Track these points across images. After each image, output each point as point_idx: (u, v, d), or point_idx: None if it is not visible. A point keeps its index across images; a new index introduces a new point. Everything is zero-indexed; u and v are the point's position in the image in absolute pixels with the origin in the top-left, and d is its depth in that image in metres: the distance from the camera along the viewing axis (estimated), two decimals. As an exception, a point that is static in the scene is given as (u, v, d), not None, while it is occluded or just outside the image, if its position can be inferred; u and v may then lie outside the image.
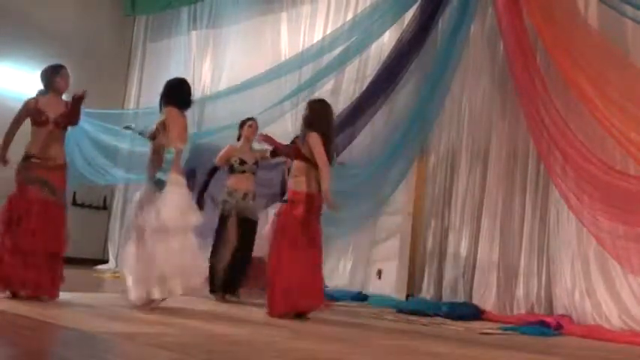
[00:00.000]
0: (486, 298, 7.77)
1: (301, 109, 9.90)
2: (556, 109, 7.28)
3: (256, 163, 7.43)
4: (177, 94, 6.05)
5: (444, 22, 8.62)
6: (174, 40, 12.39)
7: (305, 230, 5.96)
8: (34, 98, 5.80)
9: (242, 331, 4.94)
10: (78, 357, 3.45)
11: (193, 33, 12.03)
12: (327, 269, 9.44)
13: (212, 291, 7.21)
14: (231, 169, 7.37)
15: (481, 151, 8.31)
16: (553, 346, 5.76)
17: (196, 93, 11.51)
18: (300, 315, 5.89)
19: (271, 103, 9.85)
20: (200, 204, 6.95)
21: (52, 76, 5.83)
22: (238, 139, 7.57)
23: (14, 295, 5.48)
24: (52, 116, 5.72)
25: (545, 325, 6.61)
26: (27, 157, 5.71)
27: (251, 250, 7.32)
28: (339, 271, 9.12)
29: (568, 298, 7.22)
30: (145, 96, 12.33)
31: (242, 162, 7.33)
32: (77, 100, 5.67)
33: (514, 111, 7.99)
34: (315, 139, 6.00)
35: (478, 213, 8.20)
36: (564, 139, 7.15)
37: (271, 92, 9.95)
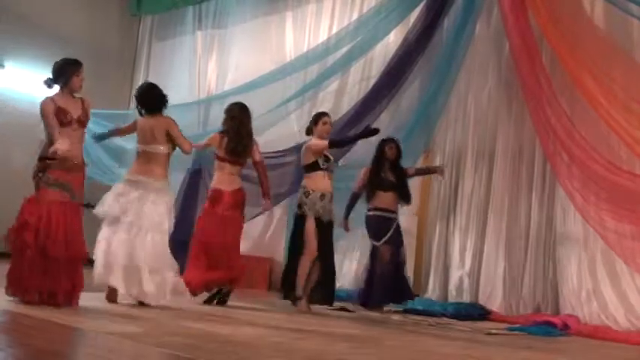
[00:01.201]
0: (492, 298, 7.75)
1: (307, 110, 10.00)
2: (562, 109, 7.26)
3: (336, 160, 7.06)
4: (142, 101, 6.41)
5: (449, 21, 8.60)
6: (180, 39, 12.39)
7: (221, 225, 6.73)
8: (50, 98, 5.53)
9: (247, 332, 4.93)
10: (83, 357, 3.45)
11: (198, 33, 12.03)
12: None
13: (287, 297, 6.93)
14: (312, 167, 6.91)
15: (487, 151, 8.29)
16: (560, 346, 5.74)
17: (201, 93, 11.59)
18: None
19: (276, 103, 9.85)
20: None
21: (70, 74, 5.59)
22: (308, 134, 7.16)
23: (28, 302, 5.22)
24: (75, 115, 5.54)
25: (551, 325, 6.59)
26: (45, 158, 5.46)
27: (332, 255, 7.00)
28: (344, 271, 9.10)
29: (574, 297, 7.21)
30: (150, 96, 12.31)
31: (327, 159, 6.94)
32: None
33: (520, 111, 7.98)
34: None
35: (484, 213, 8.18)
36: (570, 139, 7.13)
37: (276, 92, 9.95)
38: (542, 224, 7.73)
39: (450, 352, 4.79)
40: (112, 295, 5.94)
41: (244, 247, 10.28)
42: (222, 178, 6.86)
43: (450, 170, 8.64)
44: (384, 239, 7.26)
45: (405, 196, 7.50)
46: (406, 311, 7.35)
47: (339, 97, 9.75)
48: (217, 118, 10.98)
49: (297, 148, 9.60)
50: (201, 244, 6.68)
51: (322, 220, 6.80)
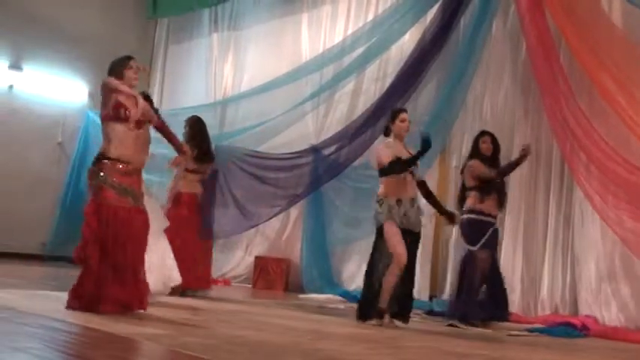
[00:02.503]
0: (510, 299, 7.68)
1: (322, 110, 10.00)
2: (580, 109, 7.21)
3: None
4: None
5: (465, 21, 8.58)
6: (196, 42, 12.44)
7: (191, 225, 7.36)
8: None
9: (265, 333, 4.93)
10: (104, 358, 3.46)
11: (214, 35, 12.07)
12: (348, 271, 9.48)
13: (363, 317, 6.02)
14: (385, 171, 6.10)
15: (504, 151, 8.22)
16: (578, 347, 5.71)
17: (217, 95, 11.62)
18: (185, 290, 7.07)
19: (292, 104, 9.86)
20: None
21: (121, 68, 5.21)
22: (386, 134, 6.34)
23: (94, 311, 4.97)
24: (132, 112, 5.12)
25: (571, 326, 6.56)
26: (102, 159, 5.14)
27: (414, 267, 6.17)
28: (360, 273, 9.07)
29: (593, 298, 7.16)
30: (166, 98, 12.37)
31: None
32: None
33: (537, 111, 7.93)
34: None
35: (501, 214, 8.12)
36: (588, 139, 7.08)
37: (292, 93, 9.96)
38: (559, 225, 7.68)
39: (468, 353, 4.77)
40: None
41: (261, 248, 10.42)
42: (183, 184, 7.47)
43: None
44: (480, 243, 6.55)
45: (504, 199, 6.87)
46: (428, 313, 7.33)
47: (355, 98, 9.75)
48: (233, 119, 11.07)
49: (313, 150, 9.62)
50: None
51: (404, 228, 5.99)
